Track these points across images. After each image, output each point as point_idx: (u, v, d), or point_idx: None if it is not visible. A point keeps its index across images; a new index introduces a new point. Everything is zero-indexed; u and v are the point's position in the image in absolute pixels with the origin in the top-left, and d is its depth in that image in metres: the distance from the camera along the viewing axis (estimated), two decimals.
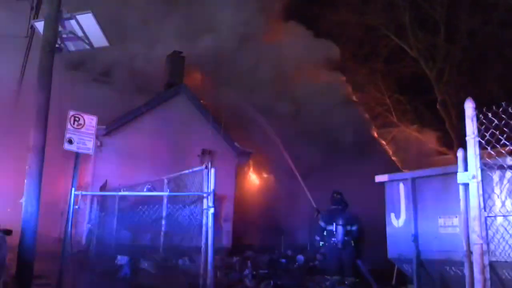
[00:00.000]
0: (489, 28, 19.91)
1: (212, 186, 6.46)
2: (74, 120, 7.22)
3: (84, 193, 7.21)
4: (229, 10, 20.74)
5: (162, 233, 8.12)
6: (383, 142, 24.05)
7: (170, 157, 14.50)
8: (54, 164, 19.92)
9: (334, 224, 8.46)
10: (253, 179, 19.61)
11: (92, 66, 19.42)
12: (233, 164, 16.67)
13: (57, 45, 10.96)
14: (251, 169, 19.35)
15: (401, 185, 6.84)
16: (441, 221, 6.17)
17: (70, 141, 7.06)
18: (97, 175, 14.24)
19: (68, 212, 6.52)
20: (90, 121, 7.35)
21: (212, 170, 6.47)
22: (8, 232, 8.49)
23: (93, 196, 13.34)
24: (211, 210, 6.34)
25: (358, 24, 23.15)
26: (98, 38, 11.39)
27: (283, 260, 13.81)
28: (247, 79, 20.14)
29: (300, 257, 13.59)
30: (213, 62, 20.66)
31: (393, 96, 24.55)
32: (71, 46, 11.67)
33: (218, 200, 16.23)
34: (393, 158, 22.29)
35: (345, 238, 8.36)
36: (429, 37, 21.83)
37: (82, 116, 7.31)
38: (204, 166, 6.66)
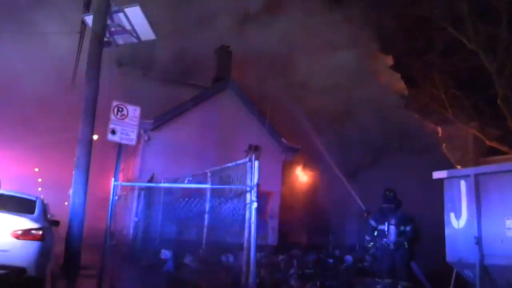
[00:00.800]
0: None
1: (255, 180, 6.14)
2: (118, 111, 7.15)
3: (124, 183, 7.09)
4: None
5: (205, 228, 7.89)
6: (439, 140, 22.86)
7: (216, 152, 14.38)
8: (108, 157, 20.48)
9: (386, 223, 7.89)
10: (300, 176, 19.18)
11: (143, 61, 19.71)
12: (279, 160, 16.33)
13: (106, 39, 11.12)
14: (299, 165, 18.92)
15: (462, 183, 6.24)
16: (509, 222, 5.54)
17: (113, 132, 6.99)
18: (145, 169, 14.33)
19: (110, 203, 6.38)
20: (134, 111, 7.26)
21: (256, 163, 6.15)
22: (55, 223, 8.58)
23: (140, 189, 13.42)
24: (254, 205, 6.01)
25: (412, 17, 22.08)
26: (145, 31, 11.42)
27: (330, 260, 13.35)
28: (299, 78, 19.79)
29: (349, 258, 13.05)
30: (265, 59, 20.47)
31: (450, 92, 23.22)
32: (119, 39, 11.77)
33: (264, 197, 16.10)
34: (450, 157, 21.11)
35: (398, 239, 7.79)
36: (489, 28, 20.45)
37: (126, 107, 7.23)
38: (247, 159, 6.34)
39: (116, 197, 6.44)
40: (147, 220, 12.09)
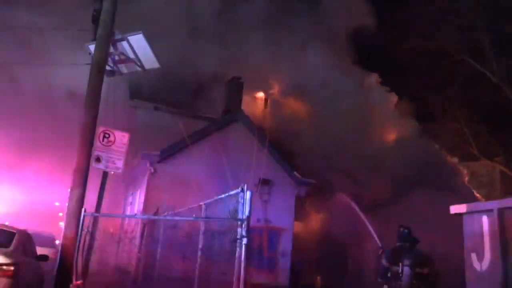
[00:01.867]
0: None
1: (247, 212, 5.46)
2: (104, 137, 6.66)
3: (94, 214, 6.48)
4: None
5: (196, 269, 7.18)
6: (463, 176, 21.80)
7: (225, 187, 13.70)
8: (115, 192, 20.03)
9: (400, 264, 7.03)
10: (315, 212, 18.32)
11: (155, 95, 19.62)
12: (292, 194, 15.57)
13: (109, 68, 10.87)
14: (312, 201, 18.10)
15: (485, 218, 5.45)
16: None
17: (99, 159, 6.48)
18: (150, 202, 13.76)
19: (78, 235, 5.78)
20: (122, 138, 6.78)
21: (248, 194, 5.49)
22: (43, 257, 8.01)
23: (143, 223, 12.87)
24: (244, 241, 5.31)
25: (429, 51, 21.54)
26: (149, 59, 11.13)
27: None
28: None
29: None
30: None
31: (472, 126, 22.29)
32: (123, 68, 11.48)
33: (275, 233, 15.28)
34: (476, 194, 19.99)
35: (414, 281, 6.90)
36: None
37: (113, 133, 6.75)
38: (239, 189, 5.69)
39: (85, 230, 5.83)
40: (149, 257, 11.44)
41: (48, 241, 15.75)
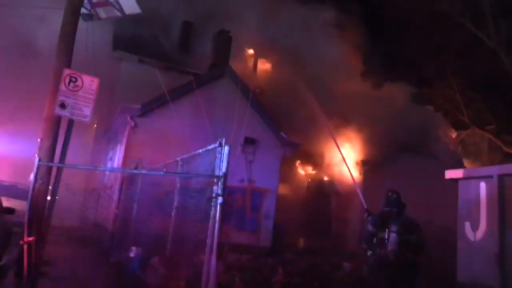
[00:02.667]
0: None
1: (223, 169, 4.94)
2: (70, 81, 5.99)
3: (51, 164, 5.90)
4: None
5: (171, 226, 6.73)
6: (453, 143, 21.49)
7: (209, 143, 13.20)
8: (99, 147, 19.36)
9: (387, 230, 6.60)
10: (301, 174, 17.97)
11: (140, 47, 18.71)
12: (278, 155, 15.11)
13: (87, 12, 10.06)
14: (299, 162, 17.72)
15: (483, 185, 5.01)
16: None
17: (63, 105, 5.83)
18: (130, 157, 13.22)
19: (31, 187, 5.23)
20: (90, 83, 6.11)
21: (226, 149, 4.96)
22: (8, 210, 7.50)
23: (122, 177, 12.39)
24: (220, 199, 4.82)
25: (427, 12, 20.68)
26: (129, 3, 10.33)
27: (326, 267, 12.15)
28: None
29: (346, 265, 11.82)
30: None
31: (465, 93, 21.80)
32: (102, 12, 10.66)
33: (258, 194, 14.92)
34: (464, 162, 19.73)
35: (400, 249, 6.51)
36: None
37: (81, 77, 6.07)
38: (217, 144, 5.16)
39: (40, 181, 5.27)
40: (126, 213, 11.02)
41: (23, 194, 15.19)
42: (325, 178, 17.06)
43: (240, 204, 14.45)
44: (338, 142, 15.75)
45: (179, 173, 6.22)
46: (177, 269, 6.53)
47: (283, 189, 16.58)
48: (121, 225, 11.33)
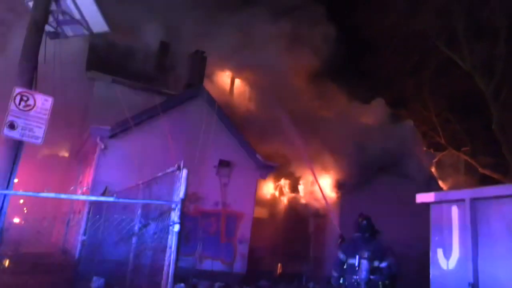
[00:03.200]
0: None
1: (181, 194, 4.59)
2: (21, 100, 5.60)
3: (17, 193, 5.44)
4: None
5: (131, 253, 6.31)
6: (430, 165, 21.46)
7: (183, 166, 12.81)
8: (71, 170, 18.74)
9: (357, 256, 6.33)
10: (278, 197, 17.62)
11: (115, 67, 18.36)
12: (253, 178, 14.77)
13: (53, 29, 9.71)
14: (275, 185, 17.40)
15: (455, 209, 4.76)
16: None
17: (12, 126, 5.43)
18: (99, 181, 12.71)
19: None
20: (44, 102, 5.73)
21: (184, 172, 4.62)
22: None
23: (90, 204, 11.85)
24: (176, 227, 4.46)
25: (406, 32, 20.88)
26: (97, 22, 10.00)
27: None
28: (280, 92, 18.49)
29: None
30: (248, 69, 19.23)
31: (442, 114, 21.97)
32: (69, 31, 10.31)
33: (233, 218, 14.49)
34: (440, 184, 19.66)
35: (371, 276, 6.23)
36: (486, 48, 19.30)
37: (33, 95, 5.69)
38: (176, 167, 4.82)
39: None
40: (92, 239, 10.50)
41: None
42: (303, 201, 16.73)
43: (214, 229, 14.00)
44: (315, 164, 15.56)
45: (132, 200, 5.84)
46: None
47: (259, 213, 16.21)
48: (87, 252, 10.80)
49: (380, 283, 6.32)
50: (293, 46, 18.86)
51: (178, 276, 9.98)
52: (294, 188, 17.02)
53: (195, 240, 13.32)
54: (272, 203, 17.57)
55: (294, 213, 16.97)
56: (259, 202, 15.73)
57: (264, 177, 15.01)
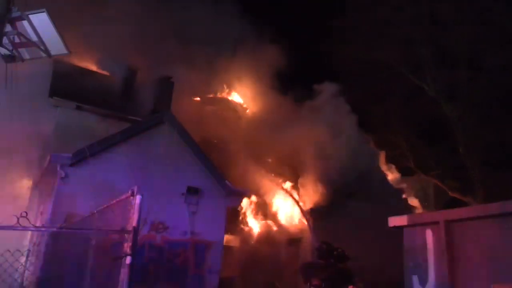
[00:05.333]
0: None
1: (134, 222, 4.19)
2: None
3: None
4: None
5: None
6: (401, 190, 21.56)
7: (149, 195, 12.23)
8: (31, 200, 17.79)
9: (309, 284, 6.16)
10: (248, 224, 17.18)
11: (78, 92, 17.83)
12: (223, 205, 14.29)
13: (9, 53, 9.27)
14: (246, 212, 16.98)
15: (429, 232, 4.52)
16: None
17: None
18: (59, 211, 12.00)
19: None
20: None
21: (137, 198, 4.23)
22: None
23: (49, 236, 11.14)
24: (128, 259, 4.03)
25: (371, 62, 21.27)
26: (55, 44, 9.61)
27: None
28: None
29: None
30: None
31: (410, 139, 22.23)
32: (25, 54, 9.88)
33: (202, 247, 13.94)
34: (411, 208, 19.69)
35: None
36: (449, 75, 19.81)
37: None
38: (129, 193, 4.43)
39: None
40: (49, 275, 9.80)
41: None
42: (274, 228, 16.37)
43: (182, 259, 13.39)
44: (286, 191, 15.31)
45: (79, 229, 5.39)
46: None
47: (230, 241, 15.72)
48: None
49: None
50: (261, 73, 18.82)
51: None
52: (265, 214, 16.66)
53: (161, 272, 12.69)
54: (243, 229, 17.11)
55: (266, 240, 16.54)
56: (230, 229, 15.26)
57: (234, 203, 14.59)
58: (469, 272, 4.10)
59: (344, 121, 18.82)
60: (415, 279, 4.57)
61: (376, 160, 19.02)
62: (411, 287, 4.60)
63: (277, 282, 15.66)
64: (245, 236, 17.04)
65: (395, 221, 4.92)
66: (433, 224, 4.48)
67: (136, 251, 4.15)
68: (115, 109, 17.10)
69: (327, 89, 20.57)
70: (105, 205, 5.48)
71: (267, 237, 16.73)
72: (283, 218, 16.56)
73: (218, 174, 14.45)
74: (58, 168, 12.40)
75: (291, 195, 13.29)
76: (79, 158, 12.58)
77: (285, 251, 16.85)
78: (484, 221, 4.06)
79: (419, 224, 4.66)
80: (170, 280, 12.68)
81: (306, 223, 13.44)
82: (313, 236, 14.27)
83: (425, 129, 22.09)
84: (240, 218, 16.91)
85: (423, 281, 4.48)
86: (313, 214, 15.25)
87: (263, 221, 16.80)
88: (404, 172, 22.79)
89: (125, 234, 4.29)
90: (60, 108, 17.40)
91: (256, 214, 16.81)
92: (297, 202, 12.08)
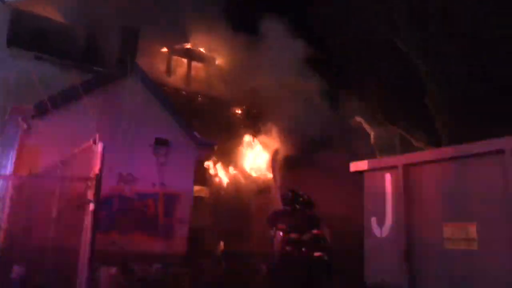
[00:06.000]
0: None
1: (97, 170, 4.15)
2: None
3: None
4: None
5: (51, 237, 5.79)
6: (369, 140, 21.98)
7: (116, 147, 12.10)
8: None
9: (274, 228, 6.45)
10: (219, 176, 17.31)
11: (39, 42, 17.05)
12: (192, 157, 14.30)
13: None
14: (215, 164, 17.06)
15: (388, 176, 4.66)
16: (447, 230, 4.01)
17: None
18: (22, 165, 11.76)
19: None
20: None
21: (99, 146, 4.17)
22: None
23: (13, 186, 10.98)
24: (91, 206, 4.02)
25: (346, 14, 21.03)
26: None
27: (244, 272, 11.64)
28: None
29: (263, 267, 11.43)
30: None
31: (380, 91, 22.50)
32: None
33: (172, 198, 14.04)
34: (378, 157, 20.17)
35: (287, 247, 6.30)
36: (421, 29, 19.86)
37: None
38: (91, 141, 4.36)
39: None
40: (15, 226, 9.72)
41: None
42: (243, 179, 16.57)
43: (151, 210, 13.49)
44: (256, 140, 15.38)
45: (43, 176, 5.32)
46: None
47: (199, 192, 15.86)
48: (10, 241, 10.01)
49: (297, 252, 6.38)
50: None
51: (111, 260, 9.51)
52: (236, 166, 16.79)
53: (131, 222, 12.78)
54: (213, 181, 17.25)
55: (236, 192, 16.76)
56: (199, 181, 15.35)
57: (203, 155, 14.62)
58: (424, 213, 4.28)
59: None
60: (373, 220, 4.75)
61: (345, 110, 19.19)
62: (370, 228, 4.78)
63: (245, 231, 15.99)
64: (215, 187, 17.21)
65: (356, 166, 5.04)
66: (392, 168, 4.61)
67: (99, 198, 4.14)
68: (78, 60, 16.52)
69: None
70: (69, 155, 5.37)
71: (236, 188, 16.93)
72: (251, 169, 16.72)
73: (186, 125, 14.36)
74: (20, 120, 12.06)
75: (259, 146, 13.39)
76: (41, 110, 12.24)
77: (254, 201, 17.15)
78: (439, 164, 4.20)
79: (378, 168, 4.79)
80: (140, 230, 12.78)
81: (271, 174, 13.65)
82: (279, 186, 14.52)
83: (393, 79, 22.33)
84: (210, 169, 16.99)
85: (381, 222, 4.65)
86: (281, 164, 15.46)
87: (232, 172, 16.94)
88: (373, 122, 23.24)
89: (88, 182, 4.24)
90: (19, 58, 16.71)
91: (225, 165, 16.91)
92: (265, 153, 12.21)
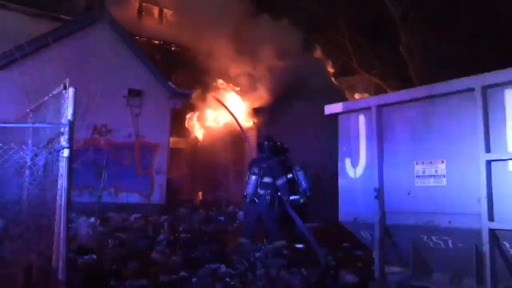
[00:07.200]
0: None
1: (69, 115, 4.06)
2: None
3: None
4: None
5: (25, 189, 5.72)
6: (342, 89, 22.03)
7: (89, 97, 11.82)
8: None
9: (248, 172, 6.75)
10: (194, 126, 17.25)
11: None
12: (167, 107, 14.19)
13: None
14: (190, 114, 16.95)
15: (361, 118, 4.72)
16: (418, 168, 4.14)
17: None
18: None
19: None
20: None
21: (70, 90, 4.06)
22: None
23: None
24: (66, 152, 3.97)
25: None
26: None
27: (221, 218, 11.86)
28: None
29: (241, 214, 11.65)
30: None
31: (354, 40, 22.39)
32: None
33: (148, 149, 13.99)
34: None
35: (258, 190, 6.65)
36: None
37: None
38: (61, 87, 4.24)
39: None
40: None
41: None
42: (220, 129, 16.54)
43: (128, 161, 13.46)
44: (230, 91, 15.26)
45: (14, 124, 5.19)
46: (33, 238, 5.60)
47: (176, 143, 15.84)
48: None
49: (268, 198, 6.68)
50: None
51: (90, 212, 9.52)
52: (212, 117, 16.70)
53: (108, 174, 12.74)
54: (190, 132, 17.20)
55: (212, 142, 16.77)
56: (176, 132, 15.29)
57: (178, 105, 14.46)
58: (395, 152, 4.39)
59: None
60: (347, 161, 4.85)
61: (320, 60, 19.08)
62: (344, 168, 4.89)
63: (223, 179, 16.18)
64: (192, 138, 17.19)
65: (330, 109, 5.08)
66: (365, 109, 4.67)
67: (73, 144, 4.08)
68: (46, 8, 15.80)
69: None
70: (38, 103, 5.23)
71: (213, 139, 16.94)
72: (228, 119, 16.67)
73: (160, 75, 14.11)
74: None
75: (236, 96, 13.28)
76: (8, 60, 11.83)
77: (230, 151, 17.23)
78: (411, 104, 4.28)
79: (352, 110, 4.84)
80: (117, 179, 12.74)
81: (248, 123, 13.57)
82: (255, 135, 14.58)
83: (368, 28, 22.19)
84: (186, 120, 16.90)
85: (355, 163, 4.76)
86: (257, 114, 15.43)
87: (209, 124, 16.88)
88: (348, 71, 23.28)
89: (61, 128, 4.16)
90: None
91: (201, 116, 16.82)
92: (242, 102, 12.19)
